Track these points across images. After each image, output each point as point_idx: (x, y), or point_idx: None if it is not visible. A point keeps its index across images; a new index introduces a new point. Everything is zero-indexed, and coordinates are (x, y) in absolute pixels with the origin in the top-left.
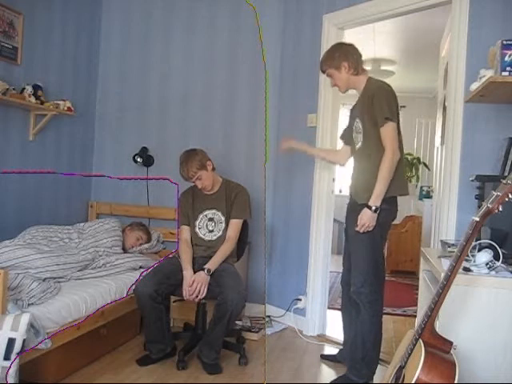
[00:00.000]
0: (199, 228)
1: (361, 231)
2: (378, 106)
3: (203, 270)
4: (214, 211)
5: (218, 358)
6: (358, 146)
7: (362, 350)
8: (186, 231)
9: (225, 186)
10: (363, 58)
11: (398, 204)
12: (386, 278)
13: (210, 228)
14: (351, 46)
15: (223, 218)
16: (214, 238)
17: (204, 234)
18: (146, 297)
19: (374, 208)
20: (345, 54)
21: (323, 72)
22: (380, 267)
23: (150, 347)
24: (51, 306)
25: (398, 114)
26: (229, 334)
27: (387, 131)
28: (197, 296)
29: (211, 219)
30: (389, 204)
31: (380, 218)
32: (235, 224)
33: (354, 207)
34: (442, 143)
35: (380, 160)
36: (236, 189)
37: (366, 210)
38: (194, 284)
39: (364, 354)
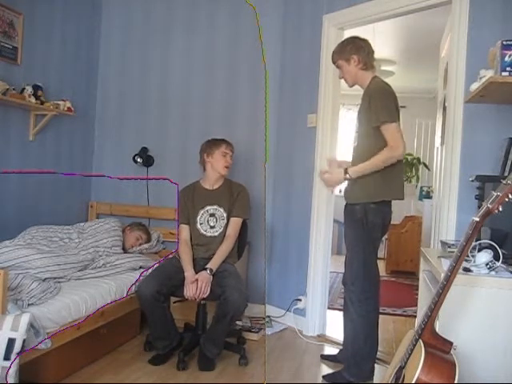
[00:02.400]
0: (200, 224)
1: (320, 178)
2: (375, 107)
3: (205, 269)
4: (215, 207)
5: (219, 353)
6: (354, 145)
7: (352, 348)
8: (185, 231)
9: (227, 184)
10: None
11: (398, 204)
12: (386, 279)
13: (212, 224)
14: (365, 41)
15: (225, 215)
16: (216, 234)
17: (205, 230)
18: (149, 297)
19: (347, 176)
20: (356, 47)
21: (334, 63)
22: (371, 267)
23: (156, 344)
24: (51, 306)
25: (398, 114)
26: (229, 335)
27: (390, 132)
28: (199, 295)
29: (212, 215)
30: (378, 205)
31: (369, 217)
32: (236, 222)
33: (346, 206)
34: (442, 143)
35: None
36: (238, 188)
37: (340, 170)
38: (199, 283)
39: (354, 353)
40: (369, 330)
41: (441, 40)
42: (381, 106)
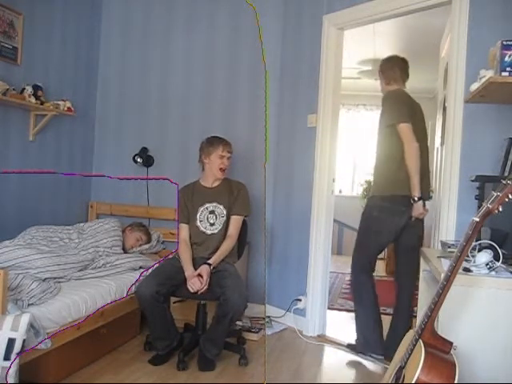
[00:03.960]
0: (200, 221)
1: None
2: (386, 112)
3: (207, 264)
4: (215, 204)
5: (219, 354)
6: (377, 143)
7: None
8: (184, 230)
9: (225, 182)
10: (363, 58)
11: None
12: (386, 279)
13: (211, 221)
14: (398, 61)
15: (225, 212)
16: (216, 231)
17: (205, 228)
18: (148, 297)
19: (415, 198)
20: (383, 66)
21: None
22: (370, 259)
23: (156, 344)
24: (51, 306)
25: (415, 116)
26: (229, 335)
27: (401, 133)
28: (203, 287)
29: (212, 212)
30: (385, 201)
31: (373, 212)
32: (236, 221)
33: None
34: (442, 143)
35: (383, 161)
36: (238, 185)
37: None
38: (204, 277)
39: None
40: (368, 312)
41: (441, 40)
42: (389, 109)
